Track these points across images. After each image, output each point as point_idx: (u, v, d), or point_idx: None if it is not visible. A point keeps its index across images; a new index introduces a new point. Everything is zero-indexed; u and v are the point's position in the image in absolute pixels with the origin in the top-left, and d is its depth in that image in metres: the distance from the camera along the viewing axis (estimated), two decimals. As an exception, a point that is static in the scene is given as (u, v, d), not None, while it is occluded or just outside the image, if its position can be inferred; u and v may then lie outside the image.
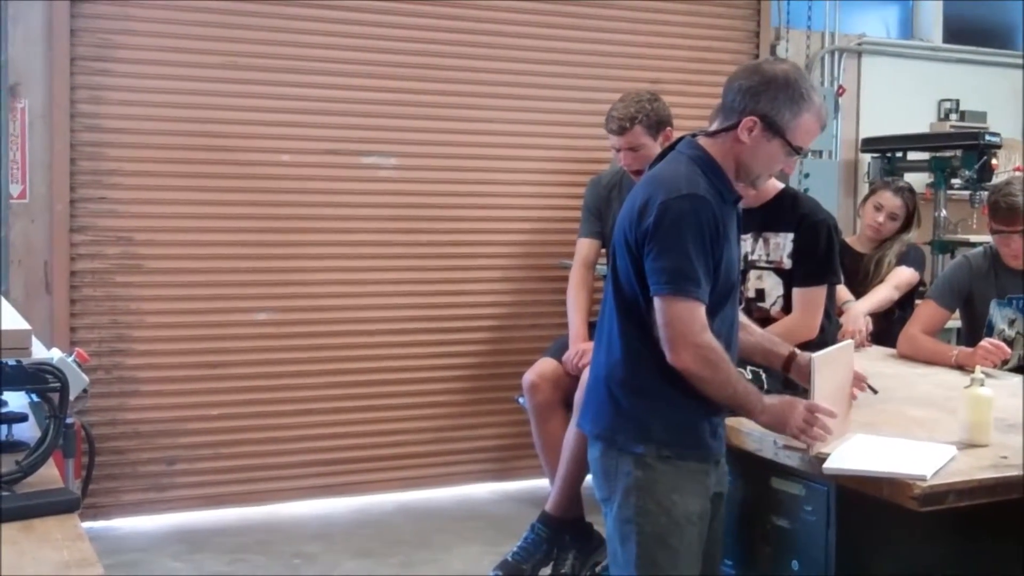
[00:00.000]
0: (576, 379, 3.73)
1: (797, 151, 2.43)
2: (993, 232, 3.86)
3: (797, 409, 2.43)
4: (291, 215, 5.03)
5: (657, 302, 2.36)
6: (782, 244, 3.18)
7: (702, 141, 2.48)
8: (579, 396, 3.52)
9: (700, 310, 2.34)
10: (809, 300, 3.15)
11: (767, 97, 2.38)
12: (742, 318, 2.75)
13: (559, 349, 4.03)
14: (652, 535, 2.43)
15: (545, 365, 4.00)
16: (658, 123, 3.87)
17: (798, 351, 2.72)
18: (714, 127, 2.48)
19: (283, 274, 5.04)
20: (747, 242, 3.22)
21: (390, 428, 5.27)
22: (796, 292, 3.16)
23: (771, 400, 2.46)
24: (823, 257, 3.15)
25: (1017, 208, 3.75)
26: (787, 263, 3.17)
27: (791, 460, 2.56)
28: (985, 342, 3.59)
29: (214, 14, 4.84)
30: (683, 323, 2.33)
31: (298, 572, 4.31)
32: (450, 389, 5.39)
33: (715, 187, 2.41)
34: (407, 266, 5.26)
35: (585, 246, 4.17)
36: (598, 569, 3.78)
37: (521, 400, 4.12)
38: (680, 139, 2.55)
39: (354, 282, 5.18)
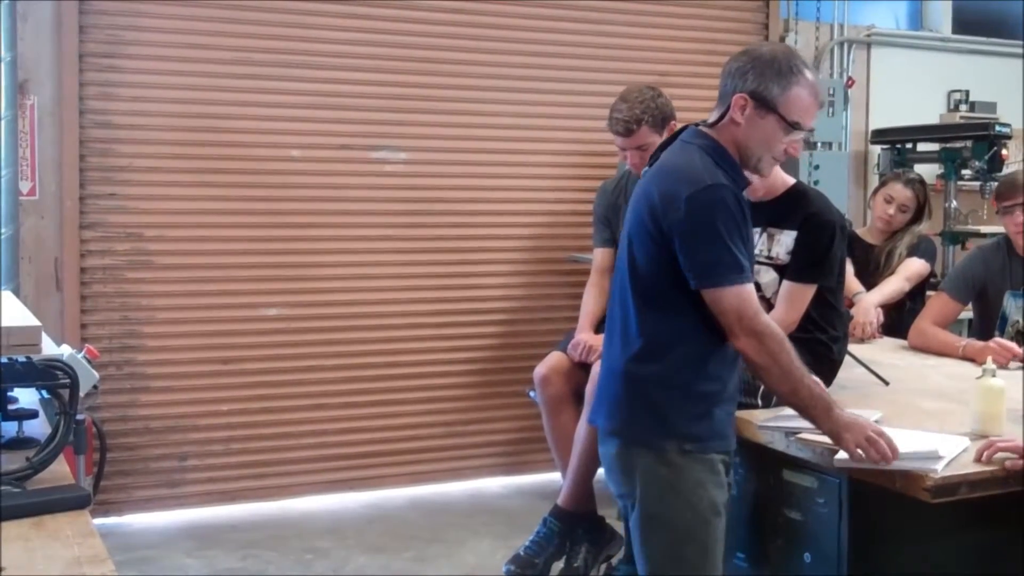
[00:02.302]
0: (587, 372, 3.72)
1: (794, 126, 2.42)
2: (999, 212, 3.89)
3: (862, 425, 2.37)
4: (301, 210, 5.03)
5: (708, 295, 2.36)
6: (784, 241, 3.15)
7: (707, 131, 2.48)
8: (590, 389, 3.51)
9: (748, 292, 2.36)
10: (794, 296, 3.10)
11: (754, 74, 2.40)
12: None
13: (570, 343, 4.02)
14: (680, 531, 2.43)
15: (556, 359, 4.00)
16: (663, 119, 3.85)
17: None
18: (714, 116, 2.49)
19: (294, 269, 5.04)
20: (754, 235, 3.20)
21: (401, 423, 5.27)
22: (784, 285, 3.12)
23: (839, 411, 2.40)
24: (820, 257, 3.10)
25: (1017, 180, 3.83)
26: (784, 259, 3.15)
27: (803, 452, 2.56)
28: (994, 342, 3.59)
29: (223, 10, 4.84)
30: (736, 310, 2.34)
31: (310, 567, 4.32)
32: (461, 384, 5.39)
33: (729, 175, 2.42)
34: (417, 260, 5.26)
35: (599, 255, 4.17)
36: (613, 561, 3.78)
37: (532, 394, 4.12)
38: (683, 129, 2.56)
39: (364, 277, 5.18)
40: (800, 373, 2.38)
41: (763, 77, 2.39)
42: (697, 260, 2.35)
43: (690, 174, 2.38)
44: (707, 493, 2.42)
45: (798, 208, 3.14)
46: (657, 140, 3.80)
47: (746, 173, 2.50)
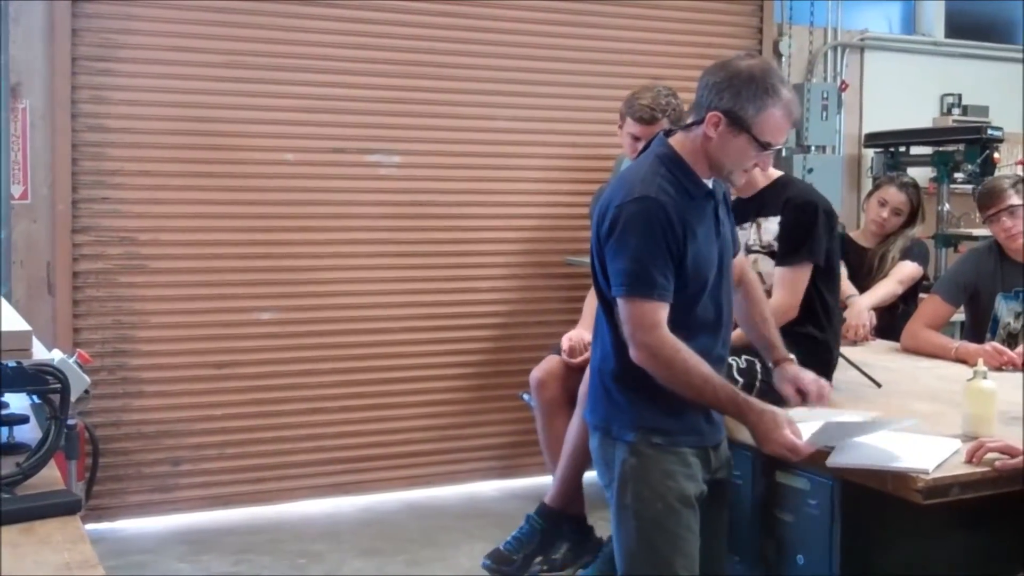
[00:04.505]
0: (583, 375, 3.72)
1: (765, 146, 2.45)
2: (985, 221, 3.92)
3: (780, 431, 2.41)
4: (295, 214, 5.02)
5: (618, 303, 2.44)
6: (770, 228, 3.19)
7: (674, 138, 2.53)
8: (582, 390, 3.52)
9: (654, 308, 2.39)
10: (789, 279, 3.12)
11: (731, 93, 2.42)
12: (767, 313, 2.83)
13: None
14: (649, 520, 2.49)
15: (552, 362, 3.98)
16: (678, 119, 3.85)
17: (789, 360, 2.77)
18: (687, 121, 2.54)
19: (287, 273, 5.04)
20: (746, 229, 3.22)
21: (395, 427, 5.27)
22: (776, 271, 3.15)
23: (760, 409, 2.44)
24: (804, 236, 3.11)
25: (996, 188, 3.88)
26: (775, 245, 3.18)
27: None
28: (989, 345, 3.61)
29: (216, 13, 4.83)
30: (634, 322, 2.40)
31: (304, 571, 4.31)
32: (456, 387, 5.39)
33: (680, 184, 2.45)
34: (411, 264, 5.26)
35: None
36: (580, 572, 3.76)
37: (526, 397, 4.11)
38: (655, 136, 2.62)
39: (358, 281, 5.18)
40: (700, 381, 2.40)
41: (739, 97, 2.40)
42: (612, 268, 2.43)
43: (628, 184, 2.45)
44: (676, 484, 2.48)
45: (780, 195, 3.19)
46: None
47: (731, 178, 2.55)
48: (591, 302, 4.06)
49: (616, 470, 2.52)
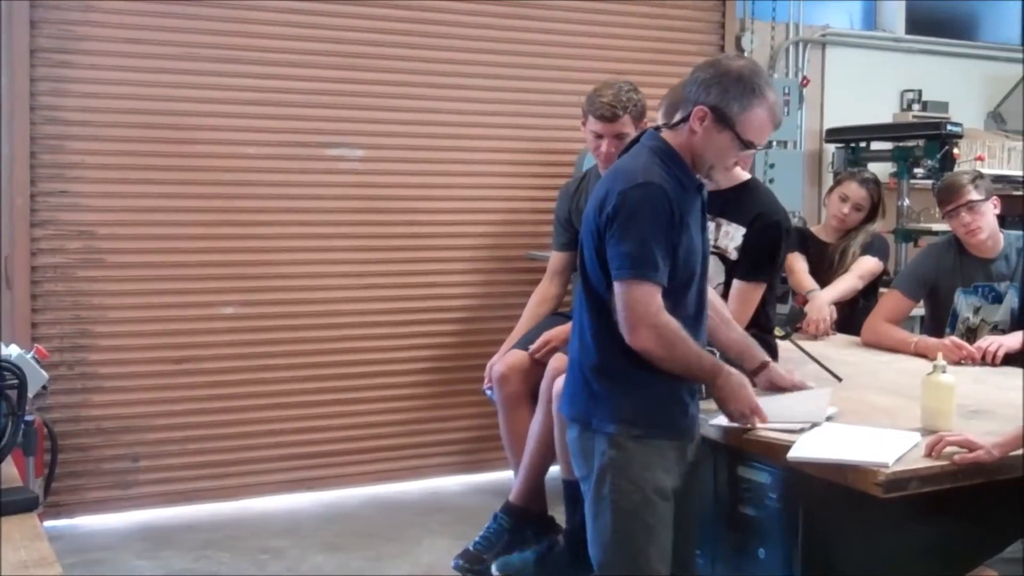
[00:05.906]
0: (544, 371, 3.73)
1: (748, 145, 2.50)
2: (944, 216, 3.97)
3: (746, 390, 2.58)
4: (257, 208, 4.99)
5: (617, 286, 2.45)
6: (732, 234, 3.22)
7: (664, 133, 2.57)
8: (544, 386, 3.55)
9: (657, 293, 2.43)
10: (746, 295, 3.22)
11: (718, 90, 2.47)
12: (727, 314, 2.94)
13: (527, 341, 4.02)
14: (626, 512, 2.51)
15: (514, 357, 3.99)
16: (640, 114, 3.87)
17: (771, 362, 2.94)
18: (676, 119, 2.57)
19: (249, 267, 5.00)
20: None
21: (358, 422, 5.25)
22: (736, 284, 3.21)
23: (728, 371, 2.57)
24: (768, 257, 3.22)
25: (955, 183, 3.91)
26: (732, 254, 3.22)
27: (758, 447, 2.59)
28: (947, 340, 3.67)
29: (178, 5, 4.78)
30: (641, 305, 2.42)
31: (265, 568, 4.29)
32: (418, 382, 5.38)
33: (675, 176, 2.50)
34: (374, 259, 5.24)
35: (554, 258, 4.16)
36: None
37: (489, 392, 4.11)
38: (643, 132, 2.65)
39: (321, 275, 5.15)
40: (696, 357, 2.50)
41: (726, 94, 2.46)
42: (615, 252, 2.45)
43: (628, 173, 2.49)
44: (653, 476, 2.51)
45: (749, 205, 3.21)
46: (632, 133, 3.79)
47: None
48: (524, 318, 4.09)
49: (595, 462, 2.54)
